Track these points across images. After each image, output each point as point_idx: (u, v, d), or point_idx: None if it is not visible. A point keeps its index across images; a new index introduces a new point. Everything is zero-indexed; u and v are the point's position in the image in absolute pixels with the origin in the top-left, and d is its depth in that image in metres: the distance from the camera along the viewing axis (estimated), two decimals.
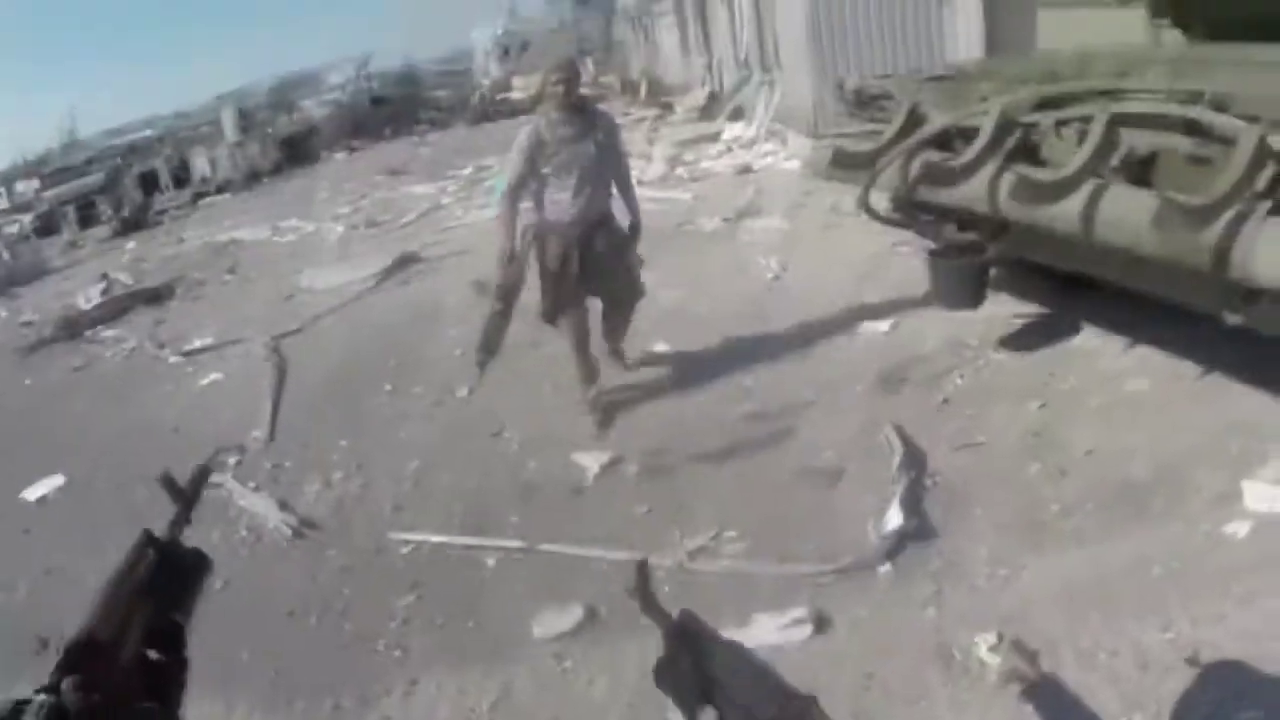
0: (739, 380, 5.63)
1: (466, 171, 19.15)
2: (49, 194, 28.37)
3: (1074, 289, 5.38)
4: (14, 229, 24.31)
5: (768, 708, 0.70)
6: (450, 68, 62.33)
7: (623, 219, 5.51)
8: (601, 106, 6.60)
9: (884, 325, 6.13)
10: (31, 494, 6.14)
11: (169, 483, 1.14)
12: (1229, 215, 2.98)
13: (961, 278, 5.19)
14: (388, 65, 53.09)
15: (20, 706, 0.81)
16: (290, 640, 3.78)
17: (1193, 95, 3.35)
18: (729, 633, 0.95)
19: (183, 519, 1.12)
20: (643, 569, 0.97)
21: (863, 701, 2.90)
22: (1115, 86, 3.76)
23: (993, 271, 5.38)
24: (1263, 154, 2.94)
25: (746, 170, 13.11)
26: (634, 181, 5.72)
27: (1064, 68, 4.37)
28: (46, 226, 26.78)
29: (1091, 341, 5.30)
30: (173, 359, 8.89)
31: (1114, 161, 3.54)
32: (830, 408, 5.06)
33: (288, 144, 33.32)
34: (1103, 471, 4.00)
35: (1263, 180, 2.97)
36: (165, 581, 1.03)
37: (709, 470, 4.51)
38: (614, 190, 5.41)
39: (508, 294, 5.32)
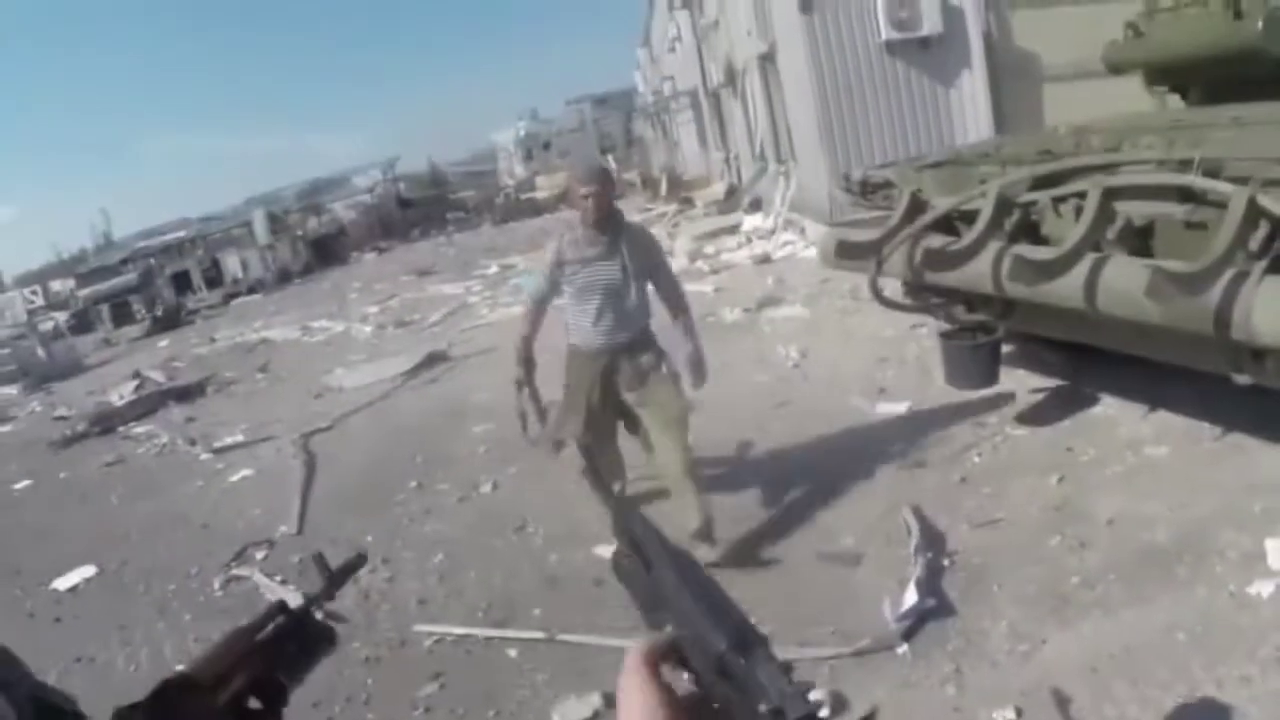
0: (758, 469, 5.66)
1: (492, 270, 19.55)
2: (84, 292, 29.06)
3: (1089, 359, 5.44)
4: (50, 326, 24.85)
5: (717, 641, 0.66)
6: (474, 168, 63.96)
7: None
8: (626, 213, 5.85)
9: (901, 407, 6.18)
10: (63, 583, 6.23)
11: (319, 560, 1.22)
12: (1226, 278, 3.05)
13: (973, 357, 5.27)
14: (414, 168, 54.39)
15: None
16: None
17: (1184, 163, 3.45)
18: None
19: (324, 595, 1.19)
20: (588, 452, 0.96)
21: None
22: (1109, 160, 3.87)
23: (1006, 348, 5.44)
24: (1254, 214, 3.03)
25: (766, 260, 13.34)
26: (688, 303, 5.00)
27: (1059, 145, 4.50)
28: (82, 324, 27.41)
29: (1110, 410, 5.34)
30: (203, 455, 9.03)
31: (1111, 234, 3.64)
32: (849, 492, 5.08)
33: (317, 245, 34.19)
34: (1125, 540, 4.01)
35: (1256, 240, 3.05)
36: (286, 645, 1.09)
37: (730, 559, 4.52)
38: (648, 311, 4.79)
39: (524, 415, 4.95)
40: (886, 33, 11.72)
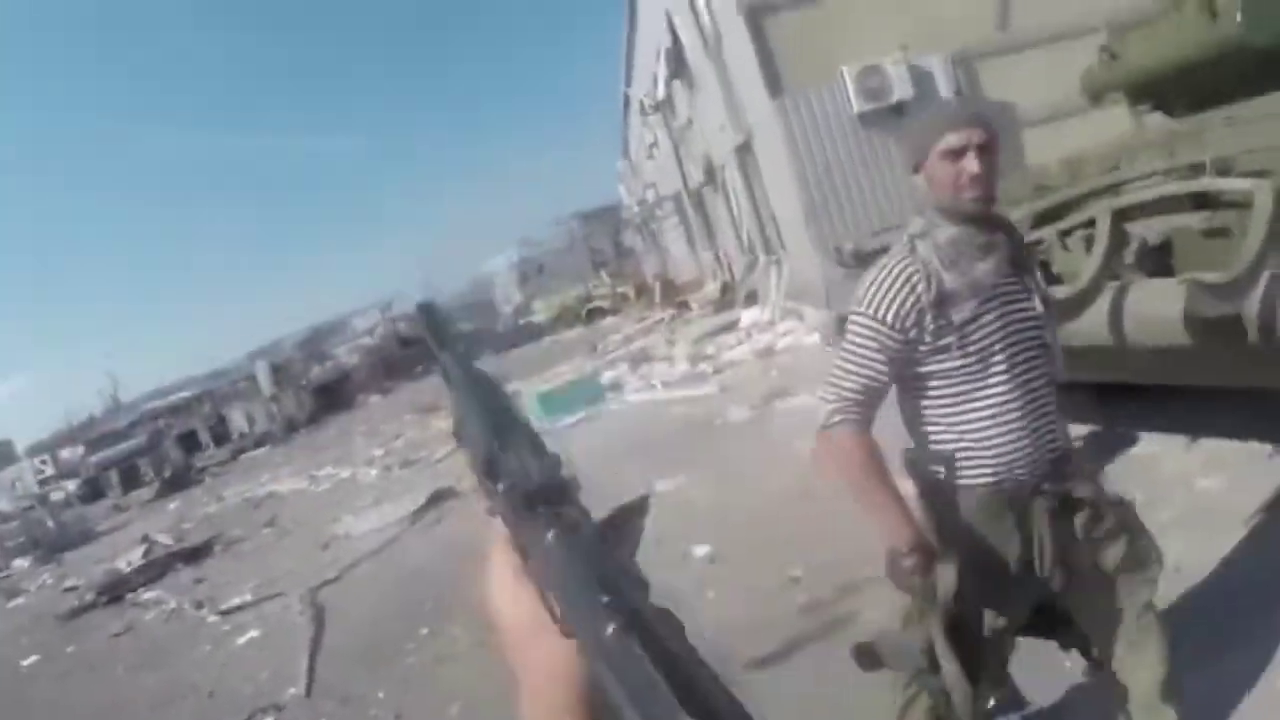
0: (788, 571, 5.26)
1: None
2: (94, 459, 29.21)
3: (1117, 395, 5.11)
4: (60, 496, 24.99)
5: (530, 480, 0.66)
6: (472, 299, 64.54)
7: None
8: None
9: None
10: None
11: None
12: (1264, 279, 2.74)
13: None
14: (412, 305, 55.01)
15: None
16: None
17: (1194, 167, 3.19)
18: None
19: None
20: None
21: None
22: (1111, 181, 3.62)
23: None
24: None
25: (769, 352, 13.09)
26: None
27: (1054, 178, 4.26)
28: (92, 491, 27.50)
29: (1151, 447, 5.00)
30: (211, 618, 8.80)
31: (1129, 258, 3.36)
32: (888, 584, 4.68)
33: (322, 392, 34.31)
34: (1199, 588, 3.61)
35: None
36: None
37: (771, 680, 4.11)
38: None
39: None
40: (859, 105, 11.77)
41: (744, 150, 14.80)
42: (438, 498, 10.70)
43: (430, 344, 0.86)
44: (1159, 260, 3.33)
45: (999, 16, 12.16)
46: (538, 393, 15.54)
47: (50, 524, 21.38)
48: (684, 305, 22.66)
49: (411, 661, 5.86)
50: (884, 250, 5.23)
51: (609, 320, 33.75)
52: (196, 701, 6.56)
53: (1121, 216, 3.35)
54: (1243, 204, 2.89)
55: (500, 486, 0.66)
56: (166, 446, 28.79)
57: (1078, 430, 5.46)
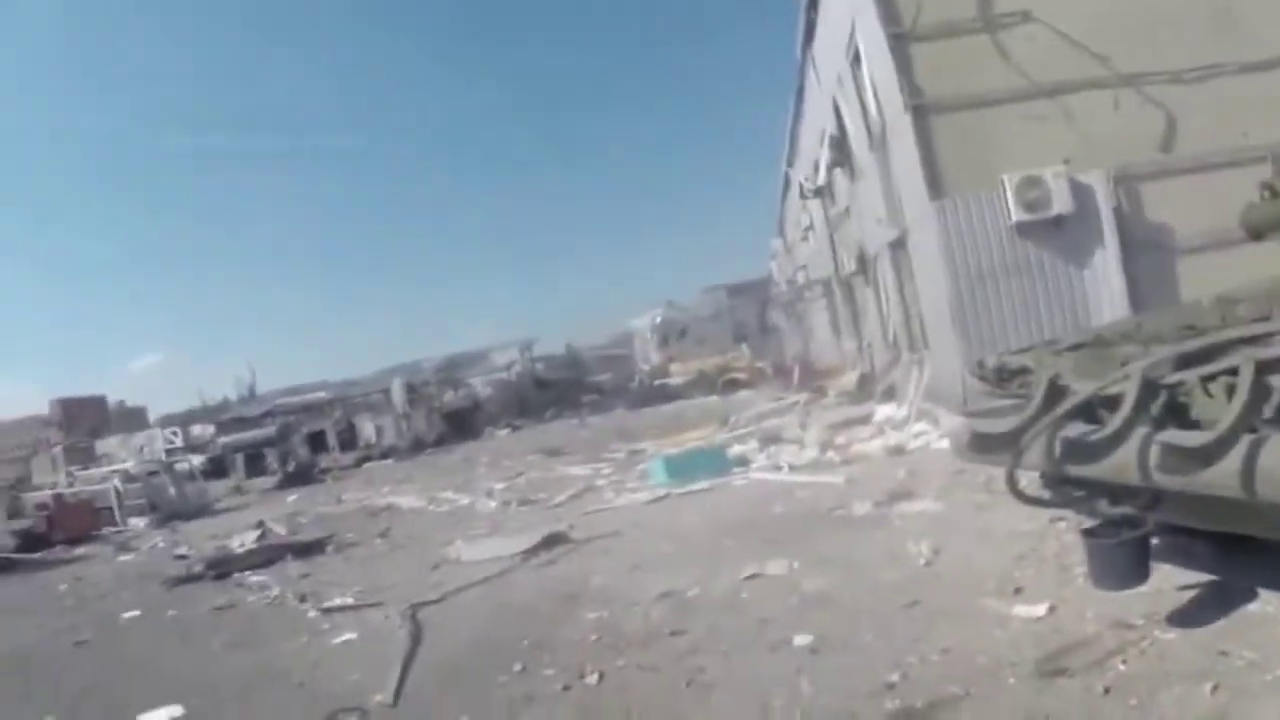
0: (885, 675, 5.20)
1: (621, 455, 19.57)
2: (223, 440, 30.63)
3: (1243, 549, 4.91)
4: (185, 467, 26.19)
5: None
6: (611, 353, 65.45)
7: None
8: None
9: (1040, 608, 5.64)
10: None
11: None
12: None
13: (1120, 555, 4.79)
14: (551, 349, 56.14)
15: None
16: None
17: None
18: None
19: None
20: None
21: None
22: (1260, 331, 3.56)
23: (1154, 542, 4.97)
24: None
25: (899, 451, 12.93)
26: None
27: (1204, 318, 4.20)
28: (216, 469, 28.85)
29: (1269, 607, 4.80)
30: (311, 613, 9.08)
31: (1269, 411, 3.29)
32: (982, 702, 4.59)
33: (452, 418, 35.36)
34: None
35: None
36: None
37: None
38: None
39: None
40: (1017, 214, 11.71)
41: (898, 245, 14.78)
42: (551, 541, 10.85)
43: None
44: None
45: (1163, 138, 11.97)
46: (664, 456, 15.71)
47: (172, 491, 22.45)
48: (821, 391, 22.53)
49: (500, 694, 5.96)
50: (1024, 370, 5.23)
51: (743, 394, 33.79)
52: (284, 689, 6.78)
53: (1266, 368, 3.29)
54: None
55: None
56: (294, 441, 30.06)
57: (1195, 579, 5.28)
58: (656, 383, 44.42)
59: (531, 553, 10.45)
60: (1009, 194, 11.69)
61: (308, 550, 12.90)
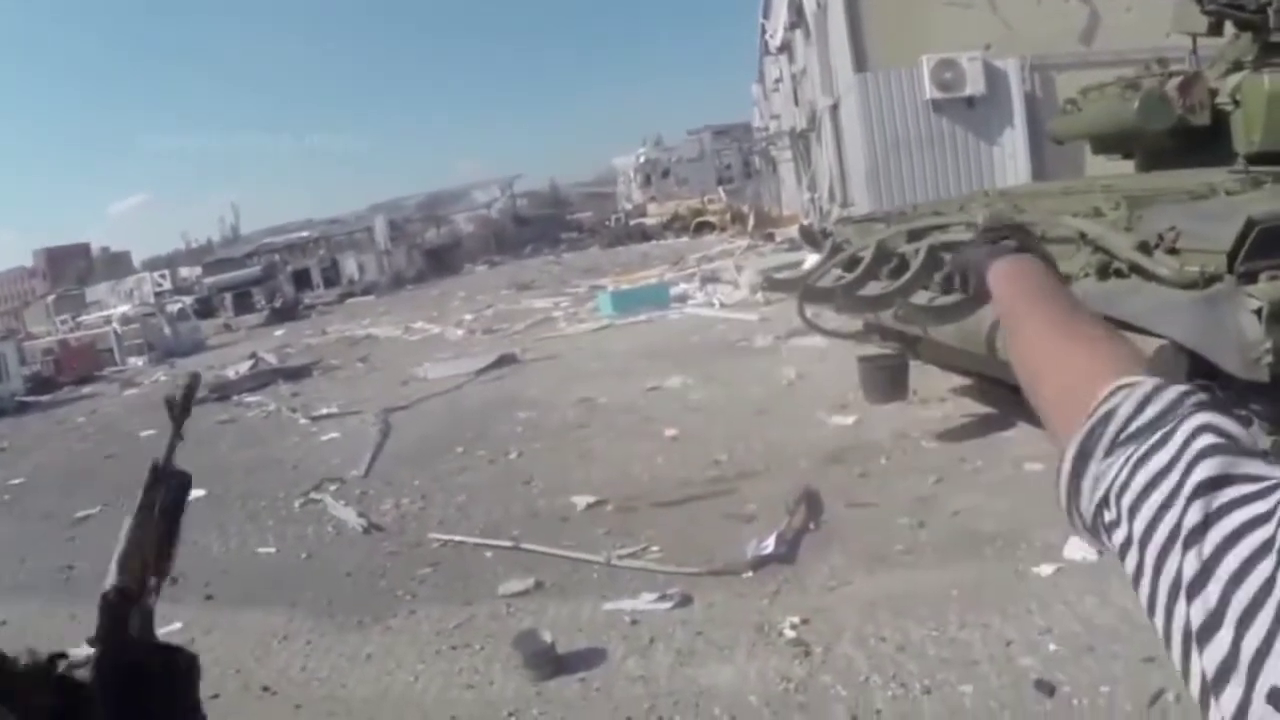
0: (715, 454, 7.06)
1: (582, 290, 21.31)
2: (210, 280, 31.63)
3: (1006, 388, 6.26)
4: (177, 308, 27.40)
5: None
6: (596, 190, 65.67)
7: None
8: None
9: (850, 419, 7.44)
10: None
11: (169, 401, 1.13)
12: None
13: (882, 377, 6.58)
14: (534, 186, 56.18)
15: None
16: (343, 587, 5.47)
17: (969, 225, 4.74)
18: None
19: (176, 427, 1.12)
20: None
21: (684, 644, 4.22)
22: (941, 221, 5.21)
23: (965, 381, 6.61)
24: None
25: None
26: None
27: (945, 208, 5.81)
28: (204, 309, 29.84)
29: (1016, 433, 6.29)
30: (302, 420, 11.03)
31: (938, 278, 4.88)
32: (772, 476, 6.39)
33: (433, 254, 36.54)
34: (957, 526, 5.11)
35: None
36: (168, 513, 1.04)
37: (661, 512, 5.93)
38: None
39: None
40: (932, 92, 13.00)
41: (835, 110, 16.09)
42: (503, 360, 12.81)
43: None
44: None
45: (1085, 31, 13.11)
46: (611, 291, 17.43)
47: (167, 331, 23.69)
48: (769, 237, 24.02)
49: (443, 468, 7.88)
50: (826, 233, 6.88)
51: (710, 237, 35.06)
52: (281, 471, 8.74)
53: (937, 249, 4.89)
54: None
55: None
56: (280, 280, 30.95)
57: (981, 410, 7.19)
58: (633, 223, 45.29)
59: (485, 371, 12.39)
60: (925, 73, 12.99)
61: (296, 374, 14.82)
